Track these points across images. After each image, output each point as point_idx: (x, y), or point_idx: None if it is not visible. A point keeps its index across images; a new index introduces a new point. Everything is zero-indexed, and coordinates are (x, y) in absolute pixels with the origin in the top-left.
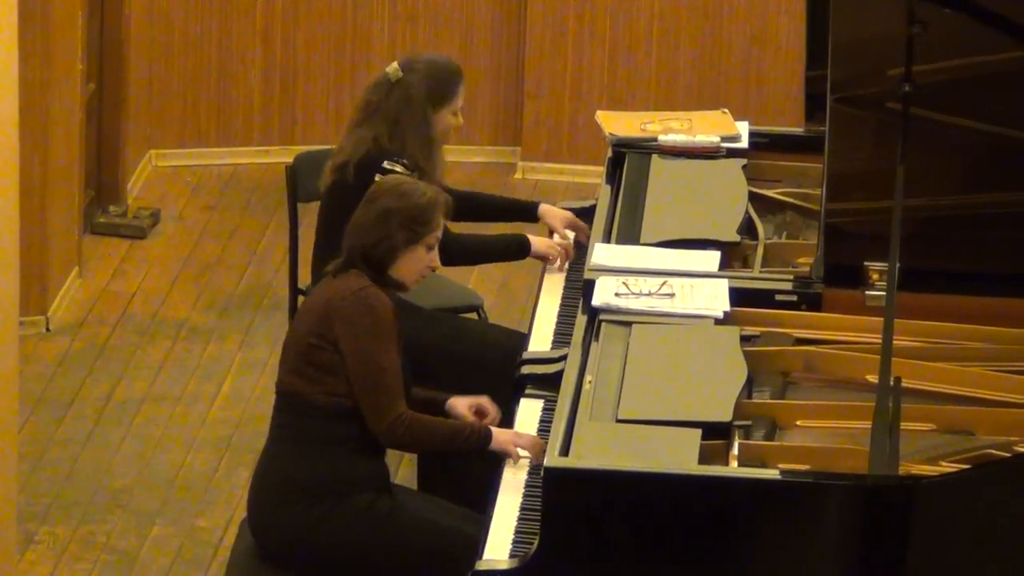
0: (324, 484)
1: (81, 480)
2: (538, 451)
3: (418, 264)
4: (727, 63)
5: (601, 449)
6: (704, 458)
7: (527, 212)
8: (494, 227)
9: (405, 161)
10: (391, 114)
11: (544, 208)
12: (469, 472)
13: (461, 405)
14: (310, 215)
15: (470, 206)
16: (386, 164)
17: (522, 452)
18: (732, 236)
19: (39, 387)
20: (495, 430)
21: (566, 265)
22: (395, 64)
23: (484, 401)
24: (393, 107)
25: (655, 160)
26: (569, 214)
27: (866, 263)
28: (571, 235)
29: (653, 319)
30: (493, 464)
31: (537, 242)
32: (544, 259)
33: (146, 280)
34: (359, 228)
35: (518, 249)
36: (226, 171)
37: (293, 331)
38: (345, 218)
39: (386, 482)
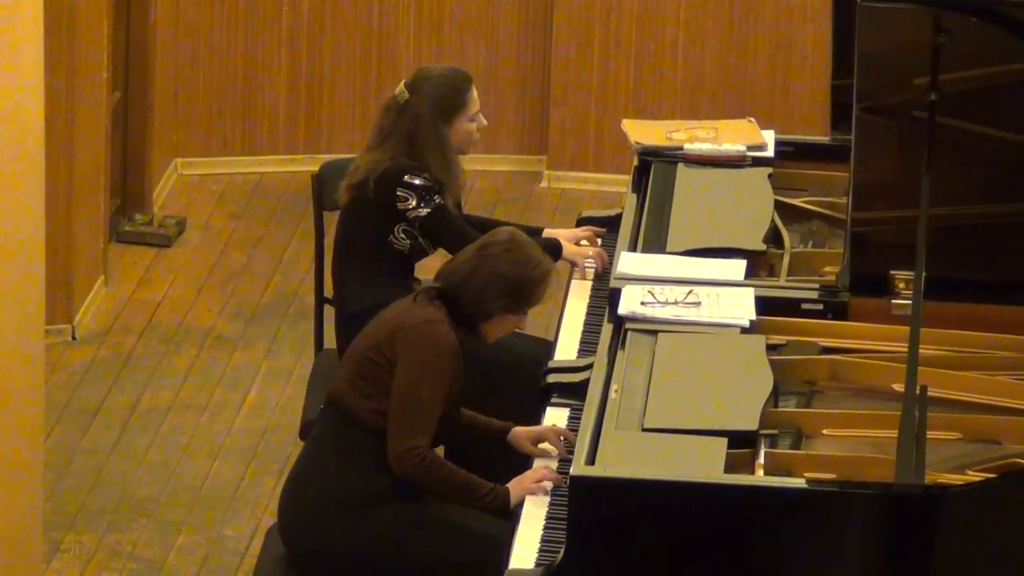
0: (354, 494)
1: (107, 489)
2: (552, 477)
3: (506, 327)
4: (753, 72)
5: (627, 458)
6: (730, 467)
7: (534, 236)
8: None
9: (426, 175)
10: (406, 135)
11: (551, 231)
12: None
13: (522, 437)
14: (336, 223)
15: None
16: (406, 178)
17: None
18: (758, 245)
19: (65, 396)
20: (512, 489)
21: (600, 270)
22: (402, 84)
23: (548, 434)
24: (406, 128)
25: (681, 169)
26: (577, 230)
27: (892, 272)
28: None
29: (679, 328)
30: (518, 467)
31: (568, 247)
32: (574, 264)
33: (172, 288)
34: (461, 275)
35: (550, 253)
36: (252, 179)
37: (357, 341)
38: (365, 235)
39: (416, 491)
